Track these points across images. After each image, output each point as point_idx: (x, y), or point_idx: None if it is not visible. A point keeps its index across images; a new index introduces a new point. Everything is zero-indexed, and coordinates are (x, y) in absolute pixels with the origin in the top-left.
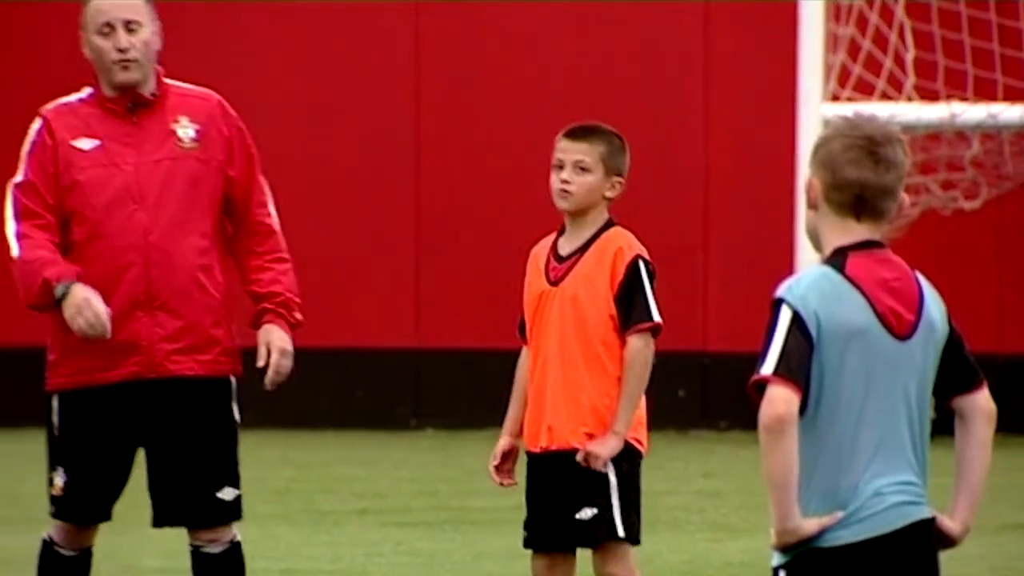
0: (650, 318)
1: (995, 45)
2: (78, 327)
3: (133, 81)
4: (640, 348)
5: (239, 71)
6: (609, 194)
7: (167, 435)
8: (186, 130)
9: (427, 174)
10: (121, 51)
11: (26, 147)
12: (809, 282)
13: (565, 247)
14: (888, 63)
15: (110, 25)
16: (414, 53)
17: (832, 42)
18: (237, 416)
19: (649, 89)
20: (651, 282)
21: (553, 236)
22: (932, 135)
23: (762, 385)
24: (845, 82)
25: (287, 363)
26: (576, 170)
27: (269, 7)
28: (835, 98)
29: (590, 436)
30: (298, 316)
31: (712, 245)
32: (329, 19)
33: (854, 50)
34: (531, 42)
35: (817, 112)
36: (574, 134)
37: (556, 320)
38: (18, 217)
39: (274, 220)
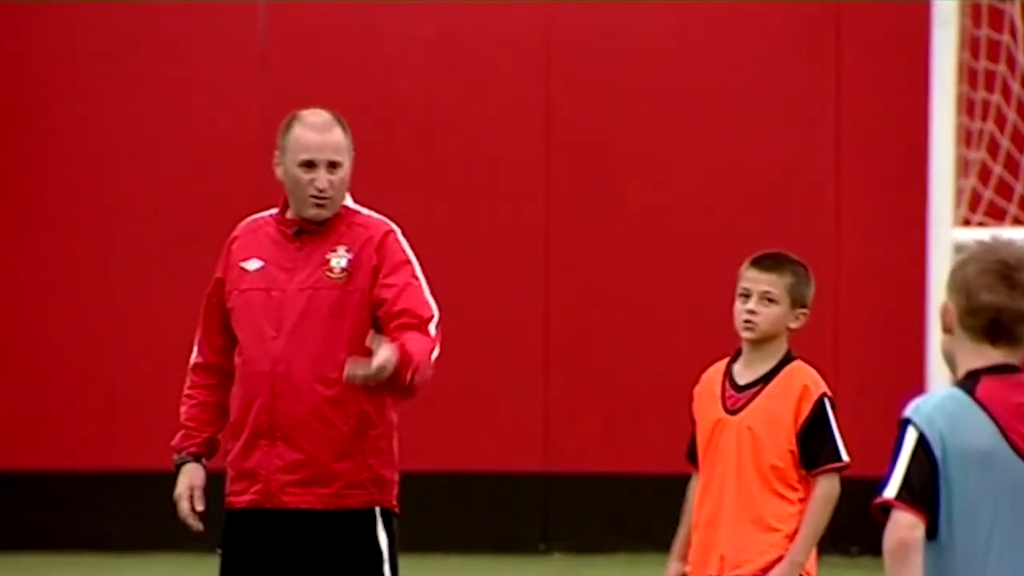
0: (839, 458)
1: None
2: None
3: (324, 218)
4: (831, 487)
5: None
6: (793, 325)
7: (288, 568)
8: (339, 260)
9: (556, 298)
10: (320, 190)
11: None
12: (936, 403)
13: (744, 376)
14: (1020, 188)
15: (312, 162)
16: (544, 179)
17: (963, 166)
18: (384, 546)
19: (780, 211)
20: (835, 420)
21: (725, 362)
22: None
23: (887, 508)
24: (976, 206)
25: (379, 376)
26: (763, 301)
27: (415, 136)
28: (966, 223)
29: (765, 569)
30: (417, 366)
31: (842, 365)
32: (462, 152)
33: (985, 174)
34: (661, 163)
35: (948, 236)
36: (762, 264)
37: (732, 449)
38: (196, 344)
39: (426, 325)
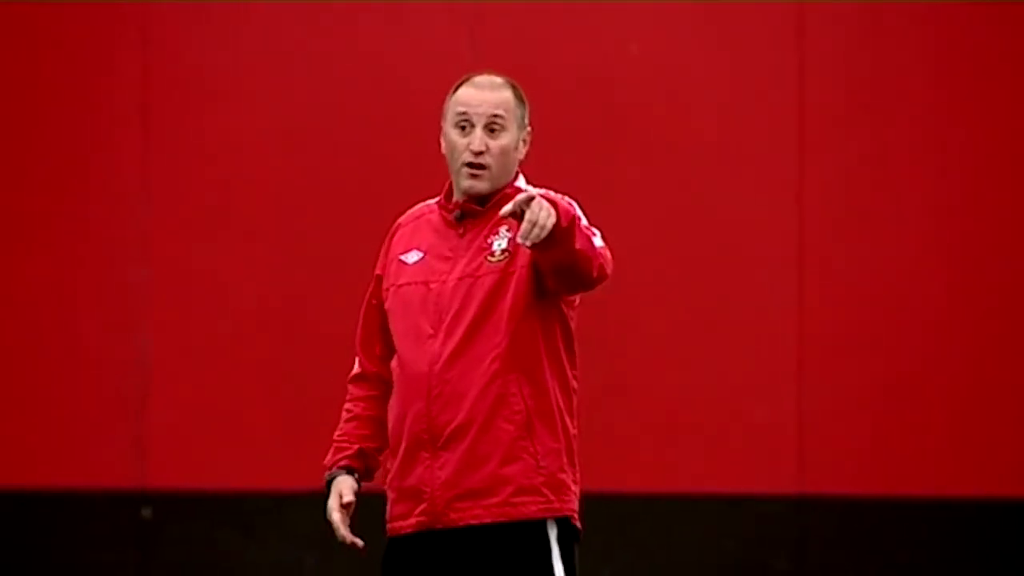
0: None
1: None
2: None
3: (478, 192)
4: None
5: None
6: None
7: None
8: (500, 241)
9: (810, 310)
10: (475, 153)
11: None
12: None
13: None
14: None
15: (468, 120)
16: (797, 199)
17: None
18: (559, 569)
19: None
20: None
21: None
22: None
23: None
24: None
25: (537, 223)
26: None
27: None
28: None
29: None
30: (575, 214)
31: None
32: (711, 150)
33: None
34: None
35: None
36: None
37: None
38: (351, 381)
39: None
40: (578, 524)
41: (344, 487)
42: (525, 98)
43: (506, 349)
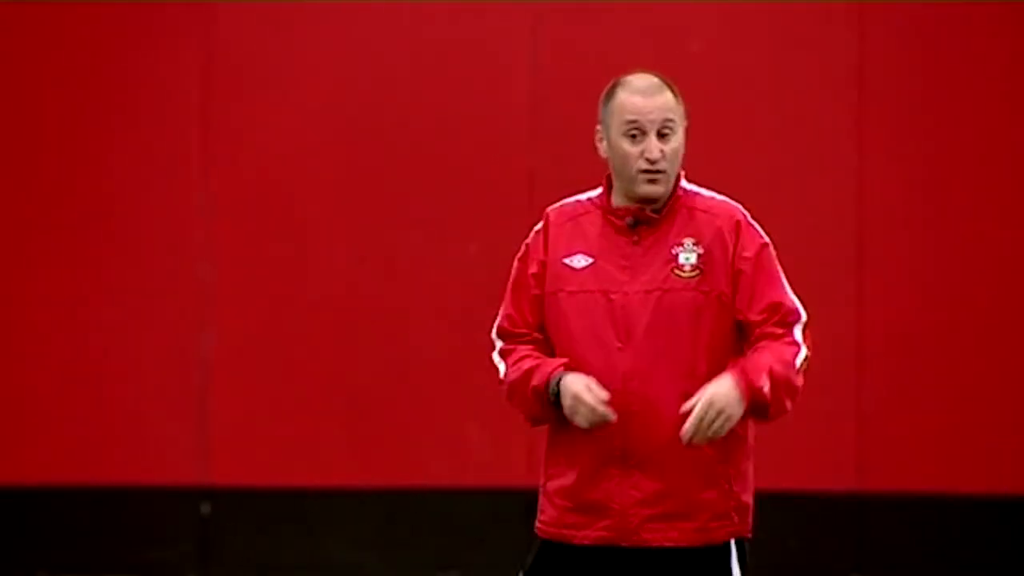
0: None
1: None
2: (580, 424)
3: (657, 195)
4: None
5: None
6: None
7: None
8: (688, 255)
9: (871, 303)
10: (651, 162)
11: (522, 250)
12: None
13: None
14: None
15: (640, 128)
16: (857, 196)
17: None
18: None
19: None
20: None
21: None
22: None
23: None
24: None
25: (712, 421)
26: None
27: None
28: None
29: None
30: (763, 386)
31: None
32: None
33: None
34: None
35: None
36: None
37: None
38: (501, 336)
39: (792, 331)
40: (750, 537)
41: (582, 383)
42: (680, 96)
43: (705, 372)
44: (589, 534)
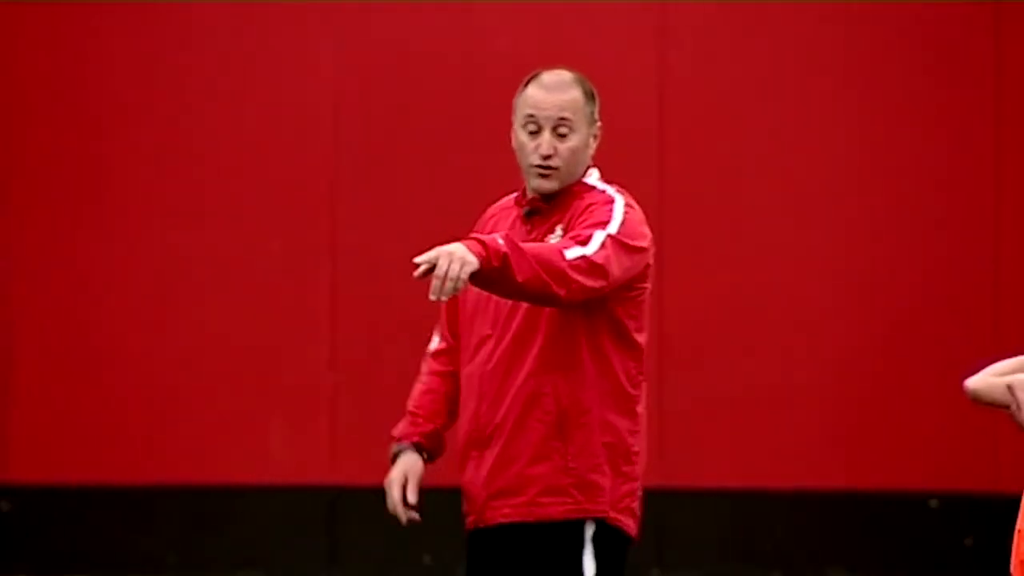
0: None
1: None
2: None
3: (546, 191)
4: None
5: None
6: None
7: None
8: (553, 239)
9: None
10: (543, 157)
11: None
12: None
13: None
14: None
15: (536, 123)
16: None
17: None
18: (589, 570)
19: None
20: None
21: None
22: None
23: None
24: None
25: (443, 264)
26: None
27: None
28: None
29: None
30: (500, 246)
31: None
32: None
33: None
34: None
35: None
36: None
37: None
38: (437, 330)
39: (590, 241)
40: (623, 524)
41: (410, 464)
42: (595, 93)
43: (541, 349)
44: (468, 520)
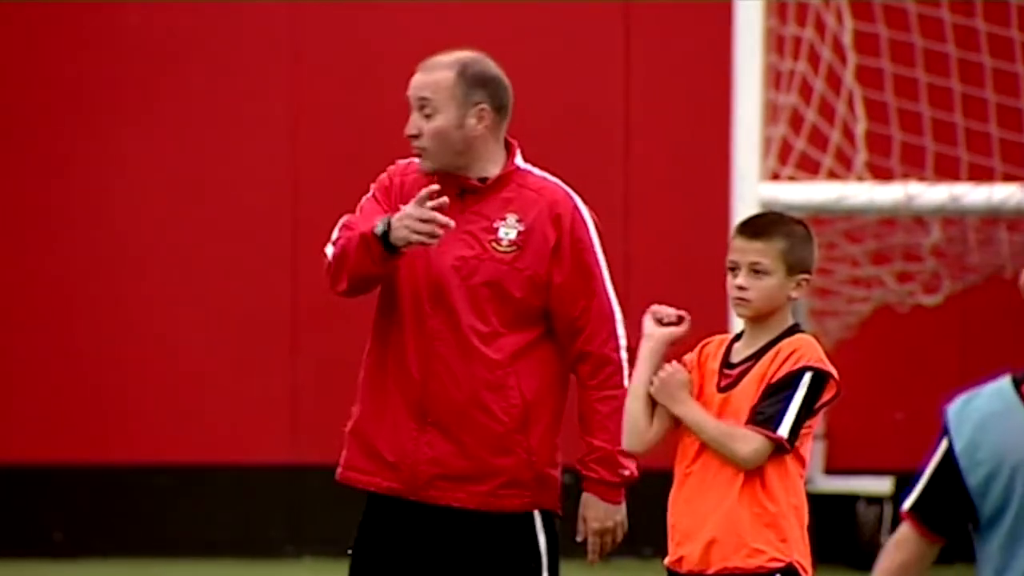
0: (773, 427)
1: (958, 117)
2: (418, 241)
3: (425, 171)
4: (744, 446)
5: None
6: (794, 294)
7: (432, 570)
8: (508, 231)
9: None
10: (408, 136)
11: (368, 195)
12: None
13: (740, 352)
14: (835, 137)
15: (410, 103)
16: None
17: (771, 112)
18: (543, 550)
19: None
20: (809, 402)
21: (729, 338)
22: (886, 220)
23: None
24: (786, 158)
25: (608, 540)
26: (753, 273)
27: None
28: (775, 176)
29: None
30: (624, 472)
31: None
32: None
33: (796, 121)
34: None
35: (754, 191)
36: (747, 231)
37: None
38: (344, 225)
39: (615, 351)
40: (559, 513)
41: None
42: (484, 74)
43: (513, 342)
44: (379, 483)
